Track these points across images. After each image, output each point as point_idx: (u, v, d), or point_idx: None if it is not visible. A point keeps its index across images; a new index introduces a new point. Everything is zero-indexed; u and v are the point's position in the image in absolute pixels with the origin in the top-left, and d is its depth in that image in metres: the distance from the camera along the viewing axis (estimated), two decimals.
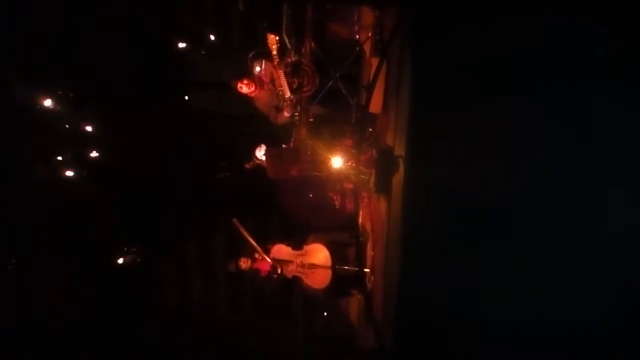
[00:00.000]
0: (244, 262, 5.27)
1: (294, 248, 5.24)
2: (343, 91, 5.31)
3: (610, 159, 3.40)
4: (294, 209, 5.44)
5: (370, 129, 5.18)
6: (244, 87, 5.29)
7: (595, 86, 3.40)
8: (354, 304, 5.93)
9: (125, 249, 6.49)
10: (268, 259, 5.16)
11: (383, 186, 4.43)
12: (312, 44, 5.30)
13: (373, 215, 5.19)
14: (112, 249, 6.54)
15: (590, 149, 3.43)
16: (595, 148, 3.42)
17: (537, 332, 3.47)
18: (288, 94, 5.10)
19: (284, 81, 5.04)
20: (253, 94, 5.35)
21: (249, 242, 5.14)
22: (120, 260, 6.37)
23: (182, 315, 7.27)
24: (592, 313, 3.38)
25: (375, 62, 4.79)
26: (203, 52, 6.97)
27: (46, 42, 6.17)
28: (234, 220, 5.13)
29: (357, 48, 5.35)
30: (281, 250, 5.27)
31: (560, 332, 3.44)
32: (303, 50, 5.33)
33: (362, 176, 4.79)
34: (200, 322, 7.24)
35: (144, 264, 6.70)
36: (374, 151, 4.74)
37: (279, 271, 5.13)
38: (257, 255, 5.20)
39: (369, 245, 5.22)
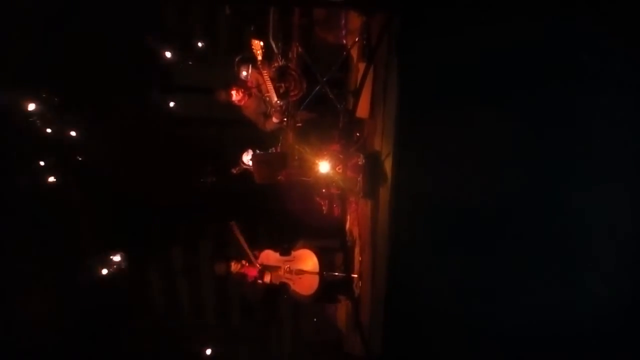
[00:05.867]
0: (234, 266, 5.23)
1: (282, 254, 5.20)
2: (330, 96, 5.31)
3: (598, 161, 3.43)
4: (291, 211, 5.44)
5: (358, 134, 5.17)
6: (234, 94, 5.27)
7: (580, 90, 3.43)
8: (342, 309, 5.90)
9: (111, 256, 6.42)
10: (257, 265, 5.12)
11: (370, 191, 4.43)
12: (299, 49, 5.29)
13: (361, 220, 5.18)
14: (97, 255, 6.46)
15: (579, 151, 3.45)
16: (583, 150, 3.45)
17: (525, 337, 3.47)
18: (275, 99, 5.08)
19: (270, 86, 5.02)
20: (241, 103, 5.32)
21: (242, 246, 5.09)
22: (105, 271, 6.29)
23: (169, 320, 7.20)
24: (581, 317, 3.40)
25: (362, 67, 4.79)
26: (190, 63, 6.95)
27: (31, 46, 6.09)
28: (232, 223, 5.07)
29: (344, 53, 5.35)
30: (269, 256, 5.22)
31: (551, 338, 3.45)
32: (290, 55, 5.32)
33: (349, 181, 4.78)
34: (187, 329, 7.18)
35: (129, 271, 6.63)
36: (362, 156, 4.73)
37: (267, 278, 5.09)
38: (244, 261, 5.16)
39: (357, 250, 5.20)
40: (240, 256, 5.22)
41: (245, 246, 5.09)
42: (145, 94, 7.03)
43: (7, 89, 5.99)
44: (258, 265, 5.10)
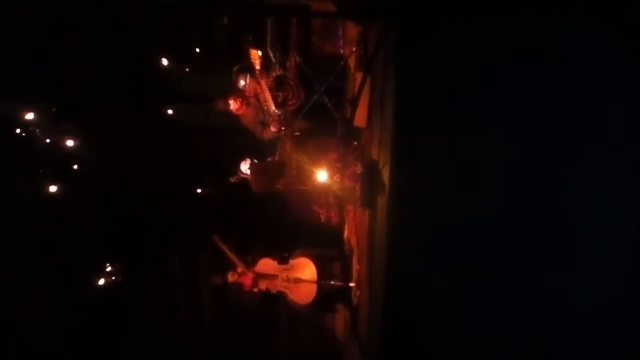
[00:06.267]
0: (232, 276, 5.22)
1: (279, 262, 5.20)
2: (328, 105, 5.33)
3: (596, 167, 3.44)
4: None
5: (355, 143, 5.19)
6: (232, 104, 5.30)
7: (581, 96, 3.45)
8: (340, 319, 5.89)
9: (108, 266, 6.39)
10: (249, 273, 5.12)
11: (368, 200, 4.43)
12: (297, 58, 5.32)
13: (358, 229, 5.18)
14: (94, 265, 6.44)
15: (579, 158, 3.46)
16: (581, 157, 3.46)
17: (525, 345, 3.46)
18: (273, 108, 5.10)
19: (268, 95, 5.05)
20: (239, 112, 5.35)
21: (230, 257, 5.10)
22: (102, 282, 6.27)
23: (167, 331, 7.16)
24: (582, 322, 3.39)
25: (359, 76, 4.82)
26: (187, 70, 6.97)
27: (28, 55, 6.11)
28: (215, 237, 5.10)
29: (342, 62, 5.38)
30: (267, 264, 5.22)
31: (550, 346, 3.44)
32: (288, 65, 5.35)
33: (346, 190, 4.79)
34: (185, 339, 7.14)
35: (127, 281, 6.60)
36: (359, 165, 4.74)
37: (261, 286, 5.08)
38: (240, 270, 5.16)
39: (355, 259, 5.20)
40: (236, 265, 5.22)
41: (233, 257, 5.10)
42: (142, 102, 7.04)
43: (4, 99, 5.99)
44: (250, 274, 5.10)
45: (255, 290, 5.14)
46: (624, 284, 3.39)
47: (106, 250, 6.63)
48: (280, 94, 5.09)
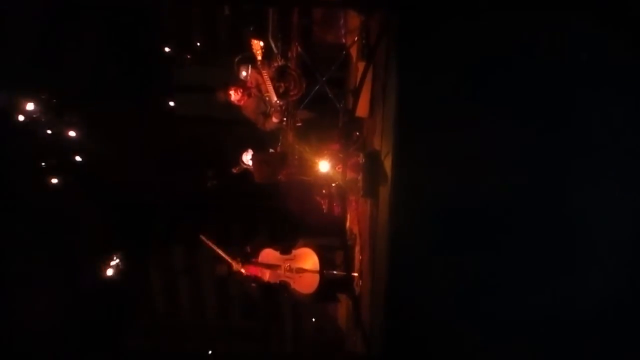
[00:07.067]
0: (236, 266, 5.24)
1: (282, 252, 5.21)
2: (330, 95, 5.32)
3: (597, 159, 3.45)
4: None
5: (357, 133, 5.19)
6: (232, 94, 5.29)
7: (580, 90, 3.45)
8: (342, 308, 5.92)
9: (111, 257, 6.42)
10: (242, 270, 5.13)
11: (370, 190, 4.44)
12: (299, 48, 5.31)
13: (361, 219, 5.20)
14: (97, 257, 6.47)
15: (579, 150, 3.47)
16: (582, 148, 3.47)
17: (527, 334, 3.48)
18: (275, 99, 5.10)
19: (269, 86, 5.04)
20: (241, 103, 5.34)
21: (219, 254, 5.12)
22: (105, 273, 6.31)
23: (170, 321, 7.22)
24: (582, 315, 3.40)
25: (361, 66, 4.81)
26: (188, 57, 6.96)
27: (29, 46, 6.10)
28: (201, 236, 5.12)
29: (344, 52, 5.37)
30: (269, 254, 5.23)
31: (552, 334, 3.46)
32: (289, 55, 5.34)
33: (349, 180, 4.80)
34: (189, 328, 7.19)
35: (131, 271, 6.64)
36: (361, 155, 4.74)
37: (264, 276, 5.11)
38: (234, 265, 5.17)
39: (357, 249, 5.22)
40: (239, 256, 5.23)
41: (221, 253, 5.11)
42: (144, 93, 7.04)
43: (5, 91, 6.00)
44: (242, 270, 5.11)
45: (259, 280, 5.16)
46: (627, 280, 3.40)
47: (109, 242, 6.66)
48: (282, 85, 5.08)
